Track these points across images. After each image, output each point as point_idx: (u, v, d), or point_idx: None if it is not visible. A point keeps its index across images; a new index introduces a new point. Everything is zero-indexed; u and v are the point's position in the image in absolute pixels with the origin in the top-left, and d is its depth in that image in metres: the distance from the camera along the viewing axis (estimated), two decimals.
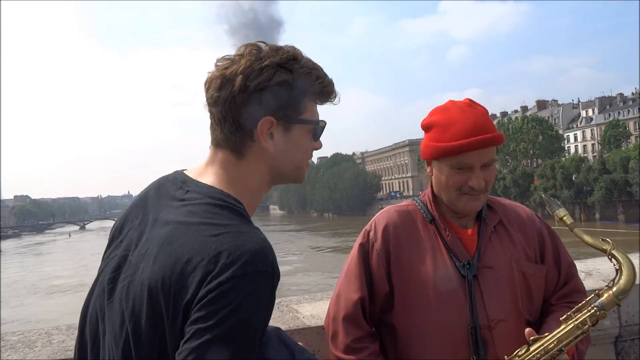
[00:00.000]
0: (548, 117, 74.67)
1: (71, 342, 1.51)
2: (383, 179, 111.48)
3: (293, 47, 1.02)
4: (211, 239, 0.85)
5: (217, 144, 1.01)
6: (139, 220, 0.99)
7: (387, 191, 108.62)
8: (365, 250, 1.42)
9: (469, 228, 1.42)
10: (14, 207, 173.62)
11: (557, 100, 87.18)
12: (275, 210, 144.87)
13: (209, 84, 0.99)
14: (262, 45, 1.00)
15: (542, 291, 1.41)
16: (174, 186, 1.00)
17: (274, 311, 1.81)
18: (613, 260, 1.25)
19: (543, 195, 1.48)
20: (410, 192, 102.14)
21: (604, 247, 1.25)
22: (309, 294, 1.96)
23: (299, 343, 1.10)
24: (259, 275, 0.84)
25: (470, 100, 1.41)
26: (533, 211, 1.52)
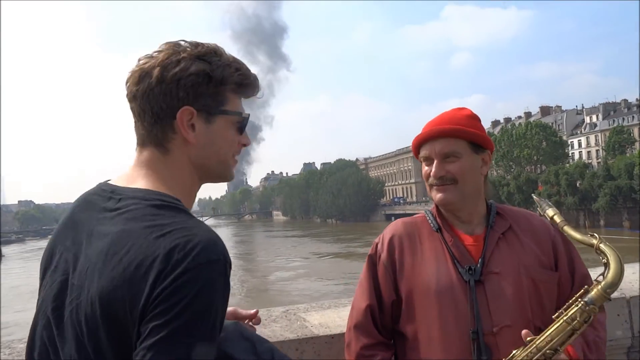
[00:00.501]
0: (552, 123, 74.39)
1: None
2: (386, 184, 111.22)
3: (215, 44, 1.02)
4: (159, 240, 0.84)
5: (141, 143, 1.01)
6: (70, 242, 0.96)
7: (391, 197, 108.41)
8: (373, 262, 1.49)
9: (475, 234, 1.43)
10: (17, 212, 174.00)
11: (560, 107, 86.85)
12: (278, 216, 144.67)
13: (128, 80, 0.99)
14: (183, 42, 1.00)
15: (554, 298, 1.40)
16: (102, 198, 0.97)
17: (281, 319, 1.83)
18: (601, 254, 1.25)
19: (534, 196, 1.51)
20: (414, 198, 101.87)
21: (592, 242, 1.26)
22: (317, 302, 1.97)
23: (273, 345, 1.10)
24: (212, 265, 0.83)
25: (462, 107, 1.49)
26: (557, 211, 1.50)
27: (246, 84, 1.04)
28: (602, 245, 1.25)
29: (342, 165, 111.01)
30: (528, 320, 1.34)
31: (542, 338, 1.21)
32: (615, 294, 1.37)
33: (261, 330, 1.63)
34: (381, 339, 1.43)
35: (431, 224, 1.47)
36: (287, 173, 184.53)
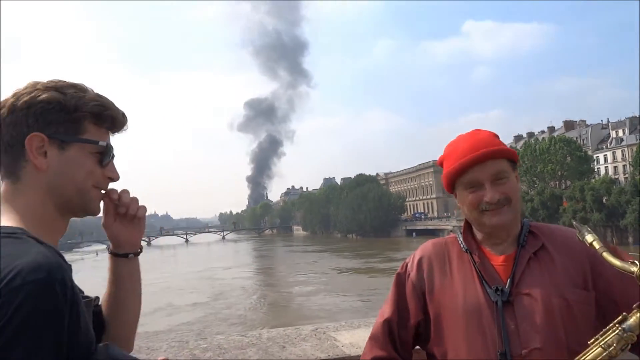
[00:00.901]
0: (576, 138, 73.26)
1: None
2: (407, 200, 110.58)
3: (82, 83, 1.04)
4: None
5: (1, 176, 1.00)
6: None
7: (412, 212, 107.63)
8: (401, 280, 1.49)
9: (506, 254, 1.41)
10: None
11: (585, 121, 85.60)
12: (298, 230, 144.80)
13: None
14: (44, 81, 1.01)
15: (591, 319, 1.34)
16: None
17: (311, 338, 1.81)
18: None
19: (574, 222, 1.46)
20: (435, 214, 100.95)
21: (632, 270, 1.20)
22: (346, 321, 1.95)
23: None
24: (30, 285, 0.79)
25: (478, 129, 1.48)
26: (596, 237, 1.49)
27: (106, 115, 1.03)
28: None
29: (363, 180, 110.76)
30: (561, 342, 1.30)
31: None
32: None
33: (291, 350, 1.62)
34: (394, 355, 1.43)
35: (461, 245, 1.46)
36: (307, 188, 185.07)
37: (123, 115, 1.09)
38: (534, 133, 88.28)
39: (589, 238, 1.32)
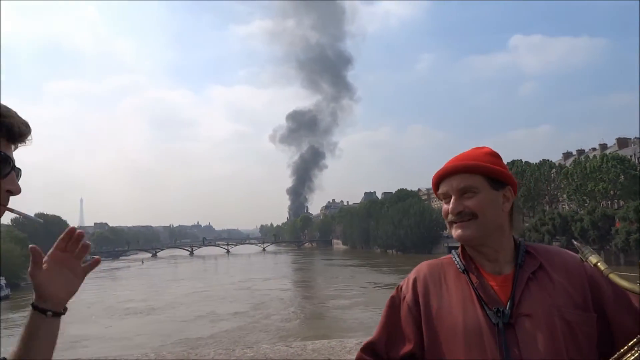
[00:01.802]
0: (630, 156, 70.03)
1: None
2: None
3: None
4: None
5: None
6: None
7: None
8: (395, 303, 1.48)
9: (504, 274, 1.39)
10: (94, 233, 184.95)
11: None
12: (338, 244, 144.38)
13: None
14: None
15: (594, 341, 1.32)
16: None
17: (354, 351, 1.81)
18: None
19: (575, 243, 1.40)
20: None
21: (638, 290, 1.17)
22: None
23: None
24: None
25: (479, 147, 1.50)
26: (600, 258, 1.43)
27: (1, 122, 0.98)
28: None
29: (404, 195, 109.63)
30: None
31: None
32: None
33: None
34: None
35: (457, 265, 1.44)
36: (348, 202, 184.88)
37: (25, 125, 1.02)
38: (584, 150, 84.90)
39: (593, 259, 1.29)
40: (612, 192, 59.72)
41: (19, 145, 1.03)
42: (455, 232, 1.40)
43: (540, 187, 71.25)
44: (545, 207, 70.70)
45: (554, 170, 71.52)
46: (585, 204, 60.88)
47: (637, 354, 1.14)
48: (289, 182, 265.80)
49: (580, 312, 1.32)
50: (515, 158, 73.83)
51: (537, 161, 73.95)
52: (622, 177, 58.71)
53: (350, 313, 31.40)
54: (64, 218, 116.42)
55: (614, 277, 1.24)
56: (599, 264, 1.28)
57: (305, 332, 26.92)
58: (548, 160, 74.52)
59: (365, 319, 28.59)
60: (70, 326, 32.09)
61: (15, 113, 1.02)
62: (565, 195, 67.38)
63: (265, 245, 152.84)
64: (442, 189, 1.43)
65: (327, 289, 46.01)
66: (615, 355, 1.16)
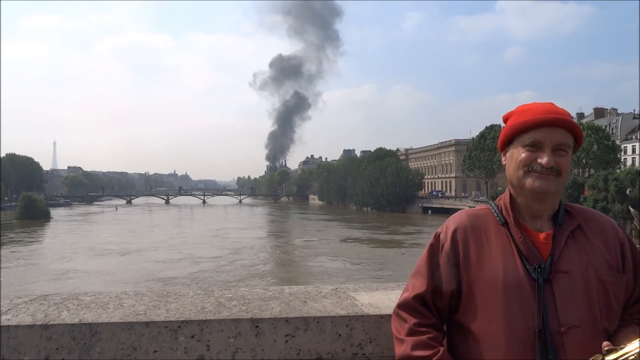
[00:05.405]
0: (605, 126, 71.31)
1: (140, 307, 1.62)
2: (426, 177, 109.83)
3: None
4: None
5: None
6: None
7: (429, 190, 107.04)
8: (434, 251, 1.46)
9: (544, 232, 1.41)
10: (67, 177, 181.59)
11: (616, 109, 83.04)
12: (314, 200, 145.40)
13: None
14: None
15: (621, 301, 1.37)
16: None
17: (331, 296, 1.86)
18: None
19: (631, 209, 1.46)
20: (453, 193, 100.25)
21: None
22: (364, 283, 2.00)
23: None
24: None
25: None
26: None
27: None
28: None
29: (382, 154, 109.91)
30: (596, 321, 1.31)
31: (626, 355, 1.15)
32: None
33: (312, 304, 1.69)
34: (434, 320, 1.43)
35: (497, 218, 1.44)
36: (326, 158, 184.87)
37: None
38: None
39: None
40: (584, 160, 61.07)
41: None
42: (535, 182, 1.36)
43: None
44: None
45: None
46: None
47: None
48: (270, 131, 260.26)
49: (612, 272, 1.36)
50: (495, 123, 74.40)
51: None
52: (595, 146, 59.93)
53: (316, 262, 33.56)
54: (36, 160, 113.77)
55: None
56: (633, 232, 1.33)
57: (277, 274, 29.09)
58: None
59: (330, 268, 31.09)
60: (56, 262, 33.38)
61: None
62: None
63: (242, 197, 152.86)
64: (534, 135, 1.37)
65: (299, 240, 48.02)
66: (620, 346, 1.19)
